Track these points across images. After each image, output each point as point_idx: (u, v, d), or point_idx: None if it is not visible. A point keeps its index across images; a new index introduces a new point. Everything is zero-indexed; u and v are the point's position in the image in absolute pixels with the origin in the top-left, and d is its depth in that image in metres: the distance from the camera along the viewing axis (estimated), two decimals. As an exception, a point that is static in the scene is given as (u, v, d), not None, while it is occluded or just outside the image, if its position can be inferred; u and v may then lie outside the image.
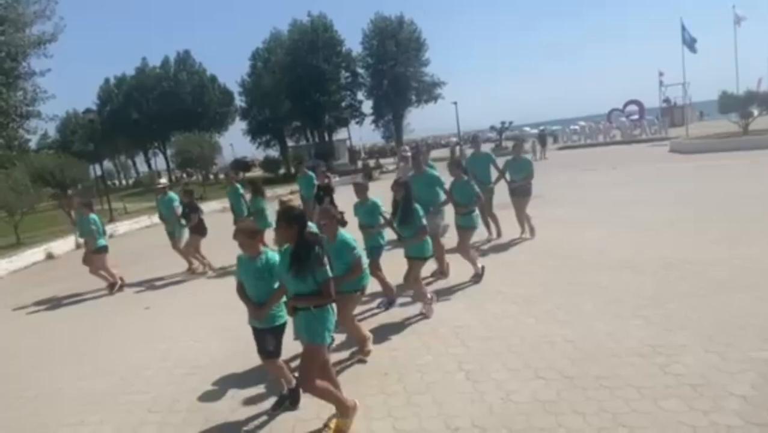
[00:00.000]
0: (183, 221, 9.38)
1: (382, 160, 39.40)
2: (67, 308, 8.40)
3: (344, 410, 3.66)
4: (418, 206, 5.73)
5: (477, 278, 6.87)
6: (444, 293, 6.50)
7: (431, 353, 4.84)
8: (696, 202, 10.43)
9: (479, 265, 6.94)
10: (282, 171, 37.60)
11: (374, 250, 6.05)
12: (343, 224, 4.60)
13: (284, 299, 3.86)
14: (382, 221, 6.02)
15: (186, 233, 9.48)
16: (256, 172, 40.98)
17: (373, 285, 5.63)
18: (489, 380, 4.17)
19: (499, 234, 9.36)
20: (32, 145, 25.53)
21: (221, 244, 10.83)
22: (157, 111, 48.69)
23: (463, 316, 5.69)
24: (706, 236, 7.73)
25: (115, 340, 6.46)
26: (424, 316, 5.77)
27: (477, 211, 7.00)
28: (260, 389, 4.52)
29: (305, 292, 3.44)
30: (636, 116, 43.79)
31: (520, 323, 5.28)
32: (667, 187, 12.98)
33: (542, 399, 3.79)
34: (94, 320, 7.46)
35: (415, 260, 5.78)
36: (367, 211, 6.02)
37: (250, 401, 4.34)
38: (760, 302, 5.04)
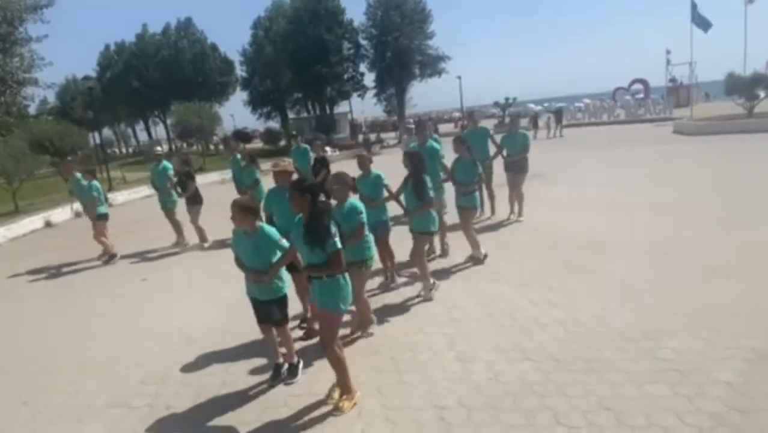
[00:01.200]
0: (179, 190, 9.20)
1: (383, 135, 39.12)
2: (64, 277, 8.45)
3: (348, 389, 3.75)
4: (427, 178, 5.66)
5: (475, 261, 6.77)
6: (441, 273, 6.52)
7: (423, 332, 4.88)
8: (695, 186, 10.38)
9: (482, 251, 6.79)
10: (282, 143, 37.38)
11: (379, 225, 5.81)
12: (355, 189, 4.70)
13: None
14: (385, 194, 5.89)
15: (180, 204, 9.33)
16: (257, 144, 40.71)
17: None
18: (478, 360, 4.22)
19: (492, 212, 9.33)
20: (31, 110, 25.26)
21: (220, 216, 10.88)
22: (157, 79, 48.10)
23: (457, 296, 5.72)
24: (702, 220, 7.72)
25: (111, 310, 6.51)
26: (422, 298, 5.74)
27: (477, 192, 6.93)
28: (254, 363, 4.58)
29: (317, 262, 3.55)
30: (641, 95, 43.27)
31: (513, 304, 5.32)
32: (667, 169, 12.92)
33: (530, 381, 3.84)
34: (91, 290, 7.52)
35: (421, 234, 5.73)
36: (370, 184, 5.84)
37: (242, 375, 4.40)
38: (752, 289, 5.06)
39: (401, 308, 5.55)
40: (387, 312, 5.45)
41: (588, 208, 9.21)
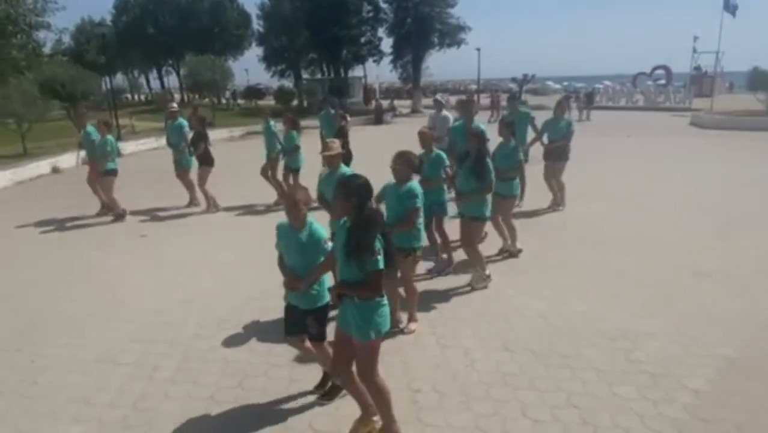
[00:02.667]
0: (191, 148, 9.07)
1: (397, 102, 38.65)
2: (66, 228, 8.59)
3: (390, 427, 3.22)
4: (490, 161, 5.36)
5: (511, 254, 6.44)
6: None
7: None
8: (701, 184, 10.31)
9: (517, 245, 6.49)
10: (294, 103, 37.08)
11: (437, 206, 5.67)
12: (419, 171, 4.55)
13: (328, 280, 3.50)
14: (444, 175, 5.71)
15: (194, 163, 9.20)
16: (269, 101, 40.35)
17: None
18: (457, 347, 4.33)
19: (520, 200, 9.08)
20: (46, 50, 25.05)
21: (230, 178, 10.94)
22: (173, 27, 47.47)
23: (446, 281, 5.80)
24: (702, 221, 7.71)
25: (109, 265, 6.66)
26: (471, 288, 5.49)
27: (518, 180, 6.56)
28: (241, 329, 4.70)
29: (351, 279, 2.96)
30: (662, 81, 42.34)
31: (499, 293, 5.39)
32: (677, 164, 12.77)
33: (504, 371, 3.95)
34: (90, 244, 7.66)
35: (473, 219, 5.41)
36: (431, 164, 5.60)
37: (230, 340, 4.53)
38: (736, 297, 5.11)
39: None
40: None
41: (591, 199, 9.14)
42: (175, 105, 9.92)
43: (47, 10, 12.03)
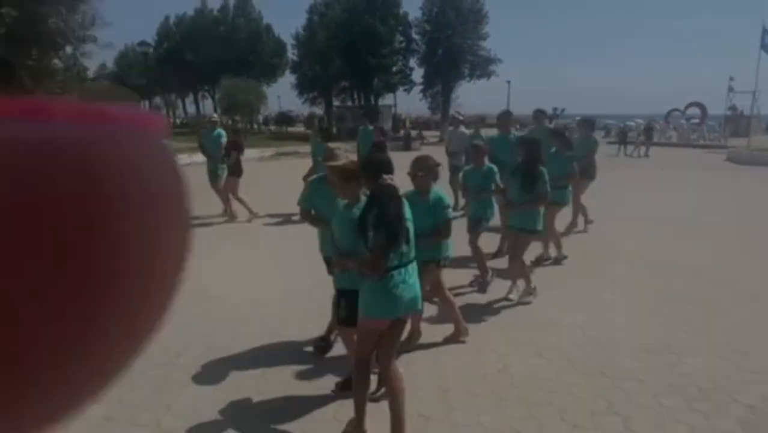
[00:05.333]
0: (225, 158, 9.10)
1: (425, 132, 38.95)
2: None
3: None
4: (544, 170, 5.14)
5: (554, 260, 6.46)
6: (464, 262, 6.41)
7: (437, 319, 4.80)
8: (743, 214, 9.91)
9: (562, 251, 6.49)
10: (324, 125, 37.72)
11: (480, 222, 5.56)
12: (437, 177, 4.19)
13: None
14: (494, 188, 5.59)
15: (225, 172, 9.21)
16: (299, 128, 41.09)
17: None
18: (490, 352, 4.13)
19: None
20: (90, 74, 26.16)
21: (262, 191, 11.02)
22: (211, 55, 49.23)
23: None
24: (747, 247, 7.36)
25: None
26: (513, 301, 5.23)
27: (570, 188, 6.52)
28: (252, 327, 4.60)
29: (355, 252, 2.95)
30: (696, 120, 41.67)
31: (534, 303, 5.17)
32: (716, 195, 12.38)
33: (539, 376, 3.73)
34: None
35: (522, 231, 5.12)
36: (482, 176, 5.55)
37: (239, 335, 4.43)
38: (789, 318, 4.79)
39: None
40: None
41: (629, 222, 8.85)
42: (215, 115, 10.19)
43: (95, 24, 12.55)
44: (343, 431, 3.06)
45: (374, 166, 2.90)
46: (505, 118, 7.45)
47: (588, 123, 8.70)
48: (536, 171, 5.07)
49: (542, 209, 5.18)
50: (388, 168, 2.91)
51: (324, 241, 3.81)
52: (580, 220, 8.27)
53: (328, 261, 3.66)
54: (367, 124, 11.01)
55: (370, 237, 2.75)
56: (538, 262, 6.44)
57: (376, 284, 2.83)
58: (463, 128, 9.36)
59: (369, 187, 2.91)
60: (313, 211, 3.93)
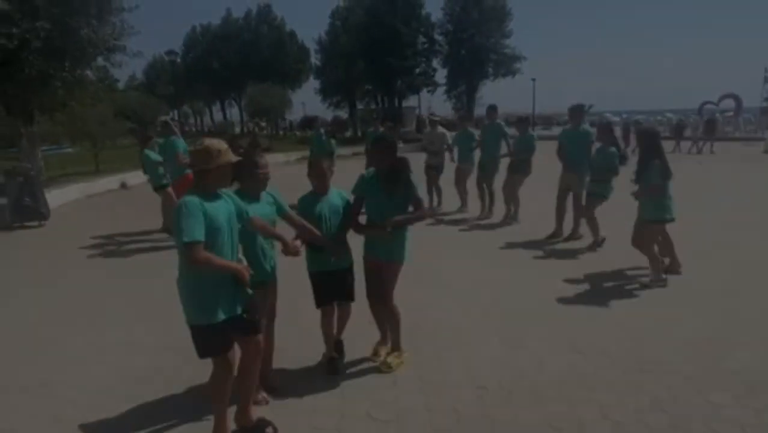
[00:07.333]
0: None
1: (449, 132, 38.71)
2: (123, 253, 7.98)
3: (398, 346, 3.80)
4: (656, 163, 5.26)
5: (594, 246, 6.78)
6: (507, 255, 6.31)
7: (469, 315, 4.72)
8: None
9: (601, 234, 6.79)
10: (348, 133, 37.80)
11: (599, 198, 6.67)
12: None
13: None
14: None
15: None
16: (324, 132, 41.32)
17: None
18: (523, 347, 4.03)
19: (490, 212, 9.06)
20: (120, 85, 26.85)
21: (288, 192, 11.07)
22: (236, 62, 50.04)
23: (513, 281, 5.54)
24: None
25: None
26: (642, 284, 5.32)
27: (612, 183, 6.64)
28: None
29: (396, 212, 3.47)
30: (731, 113, 40.28)
31: (567, 297, 5.06)
32: (756, 186, 11.94)
33: (577, 372, 3.62)
34: (138, 268, 6.69)
35: (653, 223, 5.40)
36: (603, 157, 6.55)
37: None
38: (842, 311, 4.54)
39: (448, 290, 5.40)
40: (436, 293, 5.30)
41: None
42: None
43: (124, 34, 12.84)
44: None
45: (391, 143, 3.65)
46: (577, 112, 7.61)
47: (523, 121, 8.80)
48: (650, 161, 5.26)
49: (666, 200, 5.41)
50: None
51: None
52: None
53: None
54: (378, 126, 12.55)
55: (412, 192, 3.52)
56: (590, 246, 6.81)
57: (408, 232, 3.59)
58: (441, 129, 9.92)
59: (391, 159, 3.51)
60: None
